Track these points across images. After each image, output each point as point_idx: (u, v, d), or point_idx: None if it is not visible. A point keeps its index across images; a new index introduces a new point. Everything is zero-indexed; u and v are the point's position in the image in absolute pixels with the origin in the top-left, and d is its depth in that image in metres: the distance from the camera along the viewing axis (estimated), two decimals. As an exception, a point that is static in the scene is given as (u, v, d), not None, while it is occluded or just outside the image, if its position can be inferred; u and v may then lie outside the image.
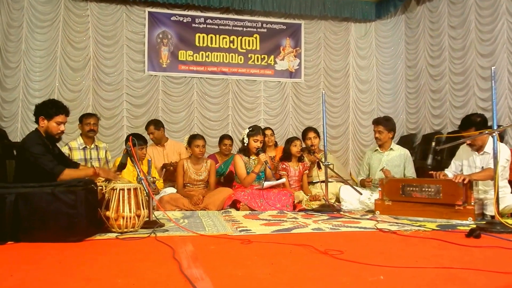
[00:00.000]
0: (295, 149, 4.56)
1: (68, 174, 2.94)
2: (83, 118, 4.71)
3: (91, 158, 4.62)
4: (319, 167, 4.34)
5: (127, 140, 3.10)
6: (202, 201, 4.03)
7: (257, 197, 4.02)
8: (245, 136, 4.29)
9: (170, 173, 4.70)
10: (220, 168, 5.10)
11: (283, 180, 4.30)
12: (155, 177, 3.95)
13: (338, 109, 7.56)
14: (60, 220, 2.43)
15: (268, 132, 5.33)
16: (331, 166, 4.09)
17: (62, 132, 3.13)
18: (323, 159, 4.05)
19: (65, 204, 2.45)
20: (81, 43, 6.62)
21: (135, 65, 6.80)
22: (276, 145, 5.57)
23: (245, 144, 4.28)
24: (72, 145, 4.58)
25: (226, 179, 4.98)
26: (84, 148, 4.61)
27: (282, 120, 7.34)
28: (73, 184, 2.50)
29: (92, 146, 4.68)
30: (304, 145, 4.69)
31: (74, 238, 2.43)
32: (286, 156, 4.60)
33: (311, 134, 4.81)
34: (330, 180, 4.32)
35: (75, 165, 3.32)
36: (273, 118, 7.30)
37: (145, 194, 2.86)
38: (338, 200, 4.29)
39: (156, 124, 5.06)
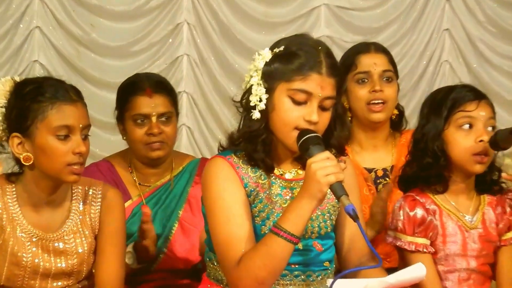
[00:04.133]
0: (472, 146, 2.40)
1: None
2: None
3: None
4: None
5: None
6: None
7: None
8: (254, 77, 2.13)
9: None
10: (132, 221, 2.63)
11: (419, 274, 2.48)
12: None
13: None
14: None
15: (375, 59, 2.64)
16: None
17: None
18: None
19: None
20: None
21: None
22: (399, 125, 2.97)
23: (253, 113, 2.07)
24: None
25: (167, 259, 2.71)
26: None
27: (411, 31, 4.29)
28: None
29: None
30: None
31: None
32: (434, 172, 2.45)
33: None
34: None
35: None
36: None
37: None
38: None
39: None
